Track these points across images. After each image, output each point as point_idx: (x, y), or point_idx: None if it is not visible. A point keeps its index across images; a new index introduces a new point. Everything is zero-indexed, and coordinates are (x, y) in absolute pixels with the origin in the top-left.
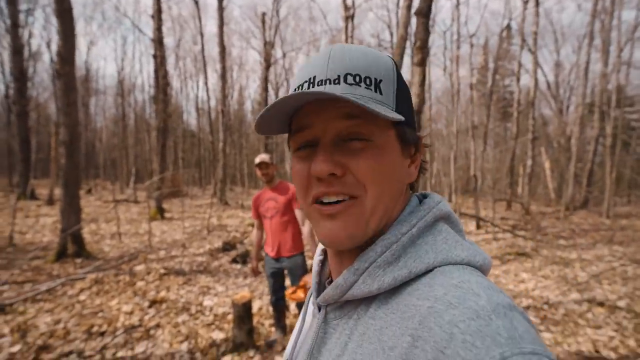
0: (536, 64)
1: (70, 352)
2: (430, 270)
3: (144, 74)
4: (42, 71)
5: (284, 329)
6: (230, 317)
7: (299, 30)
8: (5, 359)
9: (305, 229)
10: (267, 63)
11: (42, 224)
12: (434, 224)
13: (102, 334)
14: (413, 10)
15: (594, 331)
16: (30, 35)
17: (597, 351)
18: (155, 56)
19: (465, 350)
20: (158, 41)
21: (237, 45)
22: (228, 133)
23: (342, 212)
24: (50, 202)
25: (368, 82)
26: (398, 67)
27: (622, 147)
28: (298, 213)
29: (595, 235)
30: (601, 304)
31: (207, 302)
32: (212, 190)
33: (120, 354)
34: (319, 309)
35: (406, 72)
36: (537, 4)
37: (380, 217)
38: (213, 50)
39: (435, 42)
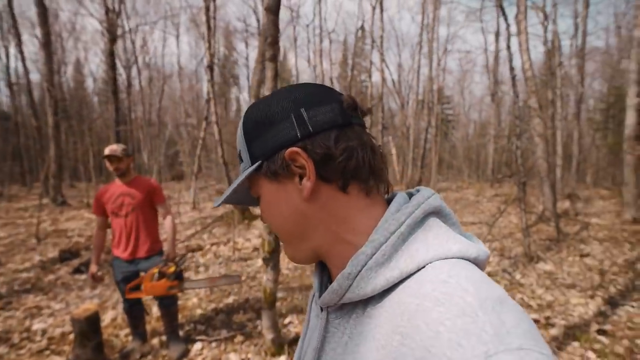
0: (382, 63)
1: None
2: (423, 267)
3: None
4: None
5: (143, 336)
6: (72, 336)
7: (152, 1)
8: None
9: (167, 223)
10: (112, 35)
11: None
12: (424, 219)
13: None
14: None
15: None
16: None
17: None
18: None
19: (451, 349)
20: None
21: (66, 8)
22: (63, 116)
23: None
24: None
25: (239, 155)
26: (245, 118)
27: (442, 136)
28: (161, 208)
29: None
30: None
31: (38, 325)
32: (41, 188)
33: None
34: (322, 310)
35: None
36: (382, 10)
37: (299, 240)
38: (30, 9)
39: (300, 34)
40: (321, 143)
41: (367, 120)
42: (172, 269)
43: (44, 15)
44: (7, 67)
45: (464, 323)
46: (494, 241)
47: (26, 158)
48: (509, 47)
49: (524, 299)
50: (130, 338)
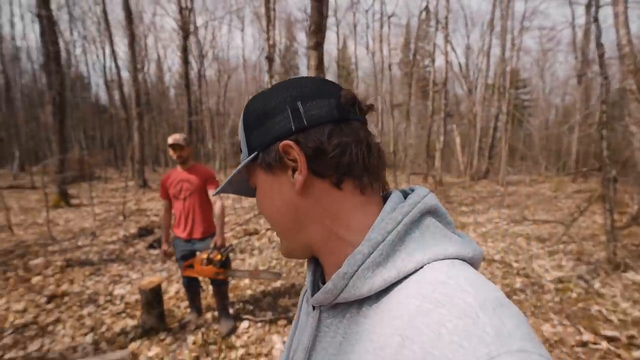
0: (448, 44)
1: None
2: (420, 268)
3: (31, 38)
4: None
5: (199, 309)
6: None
7: None
8: None
9: (217, 208)
10: (186, 32)
11: None
12: (421, 218)
13: None
14: None
15: None
16: None
17: None
18: (40, 16)
19: (453, 351)
20: None
21: (148, 10)
22: (146, 109)
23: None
24: None
25: (239, 146)
26: (246, 109)
27: (516, 124)
28: (212, 195)
29: (490, 200)
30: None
31: (119, 290)
32: (129, 172)
33: (9, 355)
34: (313, 308)
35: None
36: None
37: (292, 234)
38: (119, 12)
39: (360, 20)
40: (314, 137)
41: (368, 116)
42: (219, 257)
43: (129, 18)
44: (104, 66)
45: (466, 324)
46: (570, 243)
47: (119, 146)
48: (596, 20)
49: (603, 311)
50: (188, 310)
